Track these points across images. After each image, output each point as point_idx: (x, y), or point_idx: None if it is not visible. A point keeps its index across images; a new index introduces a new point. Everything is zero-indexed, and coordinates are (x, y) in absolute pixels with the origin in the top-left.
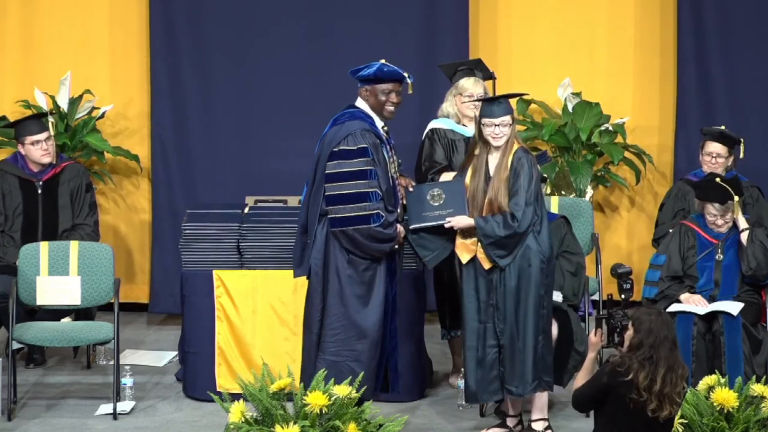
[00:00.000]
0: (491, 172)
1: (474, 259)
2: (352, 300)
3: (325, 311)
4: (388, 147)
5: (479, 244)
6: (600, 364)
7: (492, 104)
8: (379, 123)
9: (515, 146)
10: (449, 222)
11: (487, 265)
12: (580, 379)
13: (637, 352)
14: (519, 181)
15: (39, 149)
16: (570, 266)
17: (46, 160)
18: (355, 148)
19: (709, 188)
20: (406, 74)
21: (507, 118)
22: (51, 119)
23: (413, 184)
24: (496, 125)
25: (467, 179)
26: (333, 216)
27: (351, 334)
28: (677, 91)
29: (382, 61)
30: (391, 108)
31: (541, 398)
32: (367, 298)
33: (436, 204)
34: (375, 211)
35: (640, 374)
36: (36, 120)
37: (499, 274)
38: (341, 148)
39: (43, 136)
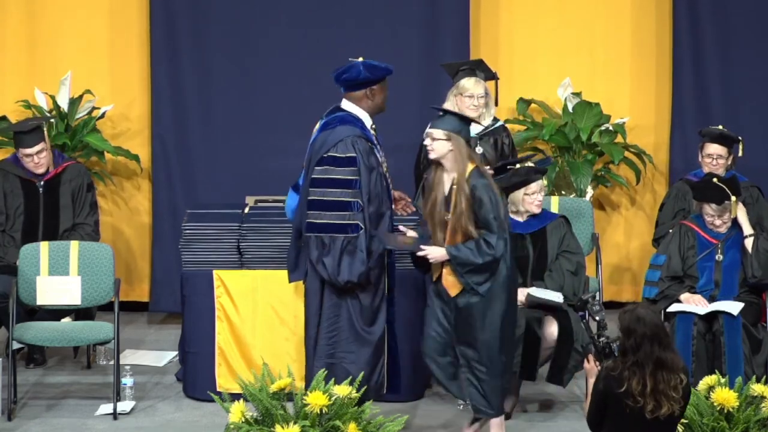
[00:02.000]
0: (446, 190)
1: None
2: (349, 303)
3: (323, 314)
4: (378, 147)
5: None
6: None
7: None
8: (368, 123)
9: (470, 167)
10: (423, 251)
11: (453, 292)
12: (586, 404)
13: (625, 358)
14: (484, 207)
15: (30, 162)
16: (570, 266)
17: (39, 171)
18: (343, 156)
19: (706, 189)
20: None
21: (438, 132)
22: (51, 120)
23: (409, 206)
24: (426, 136)
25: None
26: (311, 221)
27: (346, 336)
28: (673, 90)
29: (361, 59)
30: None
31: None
32: (365, 298)
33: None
34: (354, 222)
35: (633, 381)
36: (29, 134)
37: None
38: (330, 154)
39: (34, 150)
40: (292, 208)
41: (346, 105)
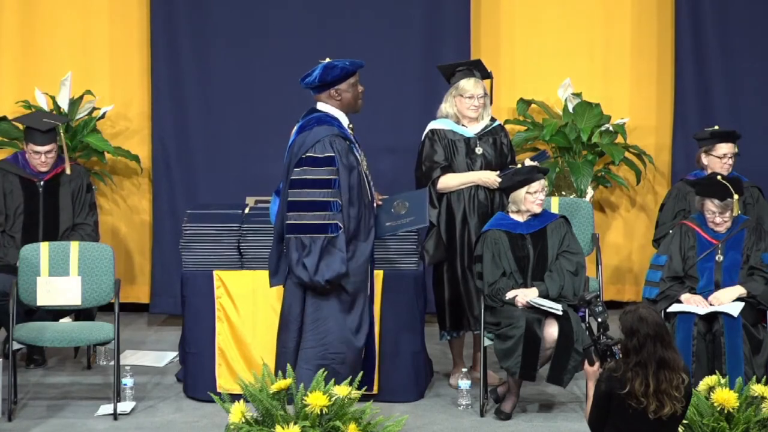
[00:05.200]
0: None
1: None
2: (335, 305)
3: (306, 317)
4: (357, 145)
5: None
6: None
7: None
8: (345, 122)
9: None
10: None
11: None
12: (587, 407)
13: (627, 359)
14: None
15: (37, 159)
16: (570, 266)
17: (42, 169)
18: (322, 156)
19: (709, 185)
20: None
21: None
22: (60, 131)
23: (380, 198)
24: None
25: None
26: (290, 222)
27: (334, 338)
28: (675, 91)
29: (327, 59)
30: (361, 99)
31: None
32: (350, 302)
33: (401, 213)
34: (333, 221)
35: (636, 382)
36: (44, 133)
37: None
38: (309, 155)
39: (44, 149)
40: (276, 213)
41: (321, 106)
